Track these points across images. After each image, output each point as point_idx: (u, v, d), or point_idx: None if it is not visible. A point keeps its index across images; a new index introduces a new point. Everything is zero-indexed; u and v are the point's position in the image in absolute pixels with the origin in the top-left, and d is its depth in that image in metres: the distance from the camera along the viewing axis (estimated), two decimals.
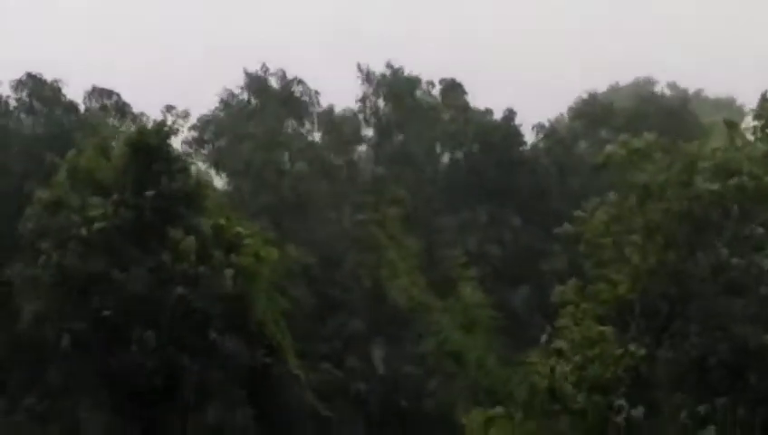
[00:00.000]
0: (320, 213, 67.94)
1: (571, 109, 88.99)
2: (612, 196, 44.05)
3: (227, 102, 73.77)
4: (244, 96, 74.26)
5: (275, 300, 53.60)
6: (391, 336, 63.93)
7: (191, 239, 48.91)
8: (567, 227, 46.26)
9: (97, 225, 49.00)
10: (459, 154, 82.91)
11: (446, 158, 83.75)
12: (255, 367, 50.81)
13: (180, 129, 58.78)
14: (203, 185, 51.86)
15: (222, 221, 50.60)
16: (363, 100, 78.03)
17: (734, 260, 37.75)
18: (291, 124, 71.62)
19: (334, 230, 67.42)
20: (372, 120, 79.12)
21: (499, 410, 43.11)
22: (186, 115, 62.82)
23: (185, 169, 51.12)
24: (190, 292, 48.81)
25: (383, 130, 79.23)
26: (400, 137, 79.69)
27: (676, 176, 39.63)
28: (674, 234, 39.90)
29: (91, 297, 48.95)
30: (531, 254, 75.32)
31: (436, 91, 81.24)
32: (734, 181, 38.14)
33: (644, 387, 38.50)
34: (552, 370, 38.31)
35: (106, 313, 48.16)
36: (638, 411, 36.58)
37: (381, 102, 78.81)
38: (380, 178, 68.29)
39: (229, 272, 49.39)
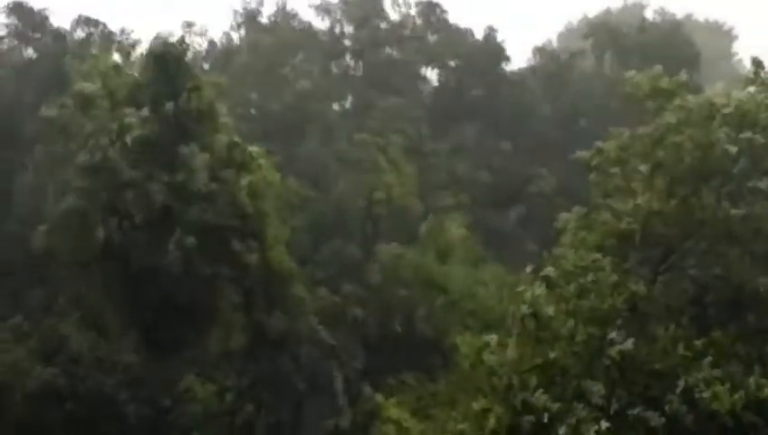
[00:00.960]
0: (316, 133, 67.84)
1: (561, 35, 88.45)
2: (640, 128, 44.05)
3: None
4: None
5: (279, 225, 53.79)
6: (387, 263, 64.21)
7: (204, 156, 49.28)
8: (582, 154, 46.30)
9: (136, 132, 49.09)
10: (444, 75, 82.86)
11: (430, 80, 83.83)
12: (265, 289, 51.51)
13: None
14: (215, 104, 51.34)
15: (236, 139, 50.70)
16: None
17: (733, 211, 38.02)
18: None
19: (330, 151, 67.32)
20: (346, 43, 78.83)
21: (492, 337, 43.70)
22: (203, 33, 62.70)
23: (199, 88, 50.36)
24: (206, 209, 49.41)
25: (357, 53, 78.78)
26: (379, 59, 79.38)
27: (693, 125, 39.63)
28: (680, 177, 40.08)
29: (120, 202, 49.40)
30: (519, 176, 75.76)
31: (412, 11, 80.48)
32: (746, 135, 38.17)
33: (641, 320, 38.88)
34: (535, 296, 38.64)
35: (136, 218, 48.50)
36: (628, 344, 36.96)
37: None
38: (392, 106, 67.70)
39: (243, 190, 49.97)
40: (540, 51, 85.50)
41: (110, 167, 48.41)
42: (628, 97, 44.23)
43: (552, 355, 38.62)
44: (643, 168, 40.91)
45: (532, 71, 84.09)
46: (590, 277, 39.38)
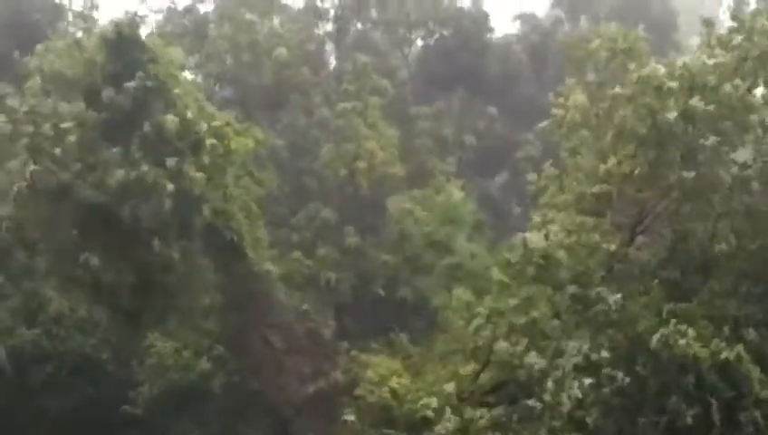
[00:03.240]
0: (297, 102, 66.56)
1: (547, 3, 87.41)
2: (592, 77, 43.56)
3: None
4: None
5: (247, 188, 52.33)
6: (366, 225, 63.12)
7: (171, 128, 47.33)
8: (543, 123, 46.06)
9: (70, 138, 47.53)
10: (429, 40, 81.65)
11: (415, 45, 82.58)
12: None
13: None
14: (172, 75, 49.47)
15: (189, 115, 48.11)
16: None
17: (684, 173, 37.73)
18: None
19: (310, 120, 66.08)
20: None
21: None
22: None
23: (155, 60, 48.58)
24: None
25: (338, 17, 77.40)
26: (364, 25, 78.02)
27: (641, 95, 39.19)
28: (643, 141, 39.70)
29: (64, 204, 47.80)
30: (506, 142, 74.85)
31: None
32: (695, 101, 37.71)
33: (618, 281, 38.75)
34: (547, 236, 38.27)
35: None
36: (617, 298, 36.80)
37: None
38: (363, 65, 66.36)
39: (199, 175, 47.48)
40: (521, 18, 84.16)
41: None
42: (582, 59, 43.94)
43: (534, 314, 38.41)
44: (608, 133, 40.49)
45: (516, 38, 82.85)
46: (572, 238, 39.11)
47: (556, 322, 38.14)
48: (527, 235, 40.23)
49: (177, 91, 48.81)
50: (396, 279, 61.87)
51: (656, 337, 35.52)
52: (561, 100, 45.56)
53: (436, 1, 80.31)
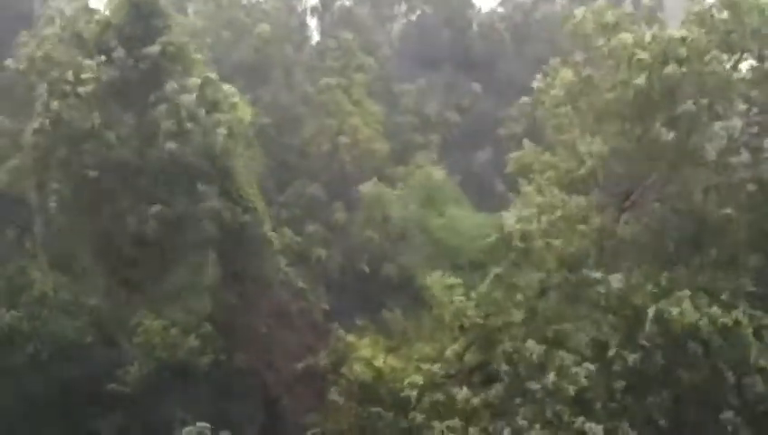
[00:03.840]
0: (279, 78, 66.30)
1: None
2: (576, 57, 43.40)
3: None
4: None
5: (248, 166, 52.97)
6: (352, 201, 63.10)
7: (188, 97, 48.61)
8: (525, 99, 45.74)
9: (88, 87, 48.07)
10: (412, 17, 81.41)
11: (398, 22, 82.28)
12: (232, 228, 50.67)
13: None
14: (186, 43, 51.01)
15: (211, 76, 50.19)
16: None
17: (664, 138, 37.75)
18: None
19: (294, 95, 65.84)
20: None
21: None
22: None
23: (170, 27, 49.48)
24: (179, 147, 48.50)
25: None
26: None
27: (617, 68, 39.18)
28: (630, 117, 39.71)
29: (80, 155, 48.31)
30: (489, 119, 74.81)
31: None
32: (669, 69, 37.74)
33: (610, 258, 38.62)
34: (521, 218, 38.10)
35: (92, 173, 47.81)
36: (615, 279, 36.70)
37: None
38: (347, 42, 66.23)
39: (222, 130, 49.08)
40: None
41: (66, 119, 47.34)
42: (573, 35, 43.79)
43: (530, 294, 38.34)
44: (591, 112, 40.50)
45: (498, 16, 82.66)
46: (558, 214, 39.01)
47: (548, 302, 38.14)
48: (504, 214, 40.15)
49: (194, 57, 50.66)
50: (380, 256, 62.12)
51: (651, 311, 35.57)
52: (547, 77, 45.37)
53: None
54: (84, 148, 48.16)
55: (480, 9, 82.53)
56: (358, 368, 45.47)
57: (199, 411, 50.92)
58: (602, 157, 40.87)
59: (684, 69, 38.02)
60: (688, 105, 37.76)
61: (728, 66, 38.69)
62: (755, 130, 39.01)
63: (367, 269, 61.58)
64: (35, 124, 48.30)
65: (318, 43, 75.39)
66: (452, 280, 45.69)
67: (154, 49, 48.46)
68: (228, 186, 50.46)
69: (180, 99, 48.39)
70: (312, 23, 78.45)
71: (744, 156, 38.77)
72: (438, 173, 64.97)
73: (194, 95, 48.93)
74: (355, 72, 66.28)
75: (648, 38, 39.04)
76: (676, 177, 40.44)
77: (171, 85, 48.51)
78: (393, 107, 71.67)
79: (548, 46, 79.47)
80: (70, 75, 48.12)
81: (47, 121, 47.80)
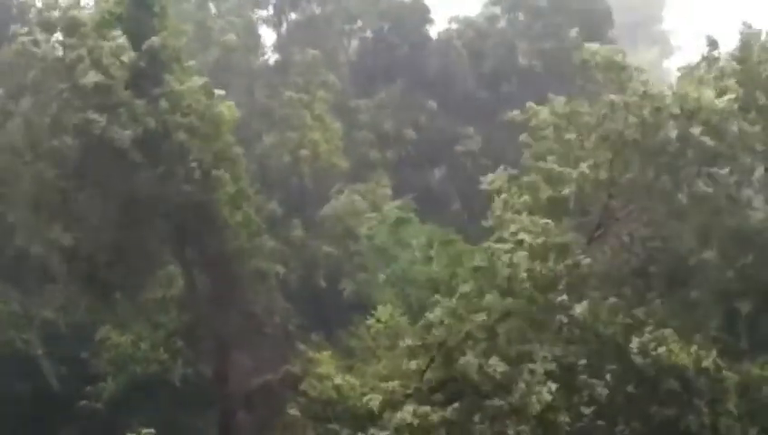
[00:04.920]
0: (240, 88, 66.54)
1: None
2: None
3: None
4: None
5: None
6: (310, 217, 63.44)
7: (193, 86, 49.14)
8: (516, 114, 46.23)
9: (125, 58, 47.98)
10: (369, 33, 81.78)
11: (356, 39, 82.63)
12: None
13: None
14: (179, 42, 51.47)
15: (204, 80, 50.58)
16: None
17: (667, 184, 38.68)
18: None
19: (255, 107, 66.10)
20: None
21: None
22: None
23: (166, 25, 50.20)
24: (189, 139, 48.77)
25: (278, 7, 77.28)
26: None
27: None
28: (623, 150, 40.49)
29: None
30: (445, 136, 75.51)
31: None
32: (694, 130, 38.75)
33: (581, 286, 39.18)
34: (512, 260, 38.41)
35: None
36: (582, 307, 37.18)
37: None
38: (313, 58, 66.65)
39: (225, 126, 50.15)
40: (455, 19, 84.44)
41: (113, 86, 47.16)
42: (582, 65, 44.62)
43: (493, 317, 38.81)
44: (590, 139, 41.28)
45: (455, 33, 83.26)
46: (539, 240, 39.55)
47: (511, 324, 38.60)
48: (494, 246, 40.31)
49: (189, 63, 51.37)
50: (338, 272, 62.43)
51: (635, 345, 36.28)
52: (541, 108, 46.05)
53: None
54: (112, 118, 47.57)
55: (435, 22, 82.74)
56: (316, 384, 45.75)
57: (155, 424, 51.09)
58: (580, 184, 41.51)
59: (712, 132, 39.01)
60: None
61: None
62: (736, 178, 40.12)
63: (323, 283, 61.83)
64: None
65: (279, 56, 75.54)
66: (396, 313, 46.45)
67: (155, 42, 48.48)
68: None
69: (184, 92, 48.70)
70: (269, 35, 78.73)
71: (724, 204, 39.92)
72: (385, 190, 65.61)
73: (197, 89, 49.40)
74: (317, 88, 66.57)
75: (681, 93, 40.02)
76: (651, 214, 41.30)
77: (171, 81, 48.72)
78: (350, 123, 72.04)
79: (503, 63, 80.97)
80: (106, 47, 47.82)
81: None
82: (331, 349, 51.85)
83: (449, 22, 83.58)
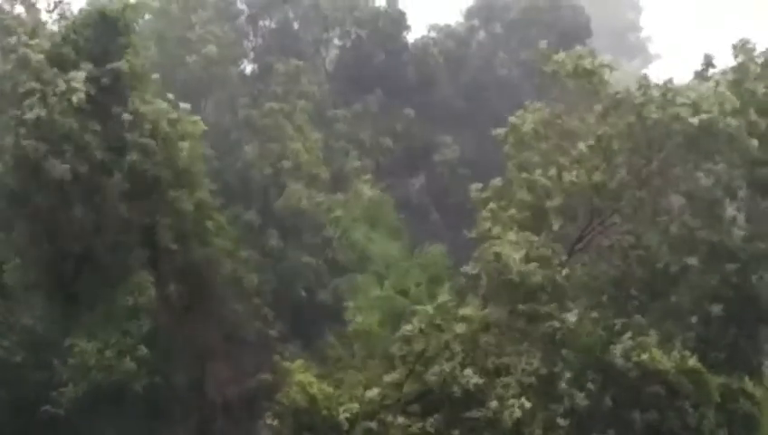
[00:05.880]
0: (221, 100, 66.48)
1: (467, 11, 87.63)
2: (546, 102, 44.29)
3: None
4: None
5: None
6: (289, 227, 63.37)
7: (153, 108, 49.59)
8: (500, 130, 46.21)
9: (81, 95, 47.96)
10: (346, 41, 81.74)
11: (333, 46, 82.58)
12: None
13: None
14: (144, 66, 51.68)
15: (166, 102, 51.02)
16: None
17: (642, 193, 38.76)
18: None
19: (236, 118, 65.99)
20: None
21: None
22: None
23: (134, 45, 50.26)
24: (143, 160, 49.06)
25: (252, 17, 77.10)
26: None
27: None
28: (616, 153, 40.56)
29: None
30: (423, 145, 75.60)
31: None
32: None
33: (562, 297, 39.21)
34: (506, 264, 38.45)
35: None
36: (573, 315, 37.26)
37: None
38: (294, 68, 66.72)
39: (184, 144, 50.36)
40: (434, 28, 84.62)
41: (54, 121, 47.34)
42: (551, 75, 44.70)
43: (472, 328, 38.81)
44: (582, 144, 41.38)
45: (432, 41, 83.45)
46: (522, 252, 39.59)
47: (490, 336, 38.67)
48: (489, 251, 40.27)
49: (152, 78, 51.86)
50: (317, 282, 62.38)
51: (618, 351, 36.37)
52: (520, 115, 46.09)
53: (353, 0, 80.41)
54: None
55: (411, 29, 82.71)
56: (292, 394, 45.63)
57: (131, 433, 50.90)
58: (566, 193, 41.57)
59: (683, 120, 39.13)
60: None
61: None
62: (719, 193, 40.32)
63: (303, 294, 61.79)
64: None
65: (256, 65, 75.45)
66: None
67: (119, 65, 48.84)
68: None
69: (143, 112, 48.98)
70: (247, 42, 78.52)
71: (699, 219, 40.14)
72: (373, 193, 65.62)
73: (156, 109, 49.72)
74: (298, 97, 66.59)
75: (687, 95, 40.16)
76: (634, 224, 41.42)
77: (133, 100, 48.97)
78: (328, 132, 72.01)
79: (482, 73, 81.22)
80: (60, 84, 48.14)
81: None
82: (309, 358, 51.69)
83: (428, 30, 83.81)
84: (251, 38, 78.35)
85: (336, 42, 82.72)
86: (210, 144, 64.36)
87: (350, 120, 74.45)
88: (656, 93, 40.26)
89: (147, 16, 63.95)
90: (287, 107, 64.96)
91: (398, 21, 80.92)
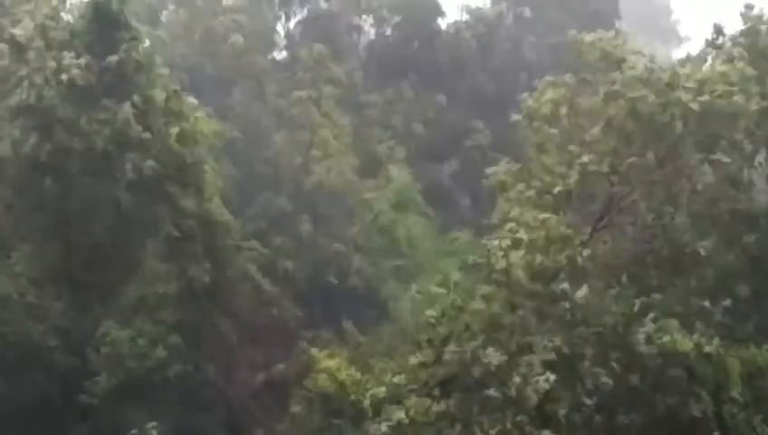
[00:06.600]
0: (251, 89, 66.65)
1: None
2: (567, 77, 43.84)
3: None
4: None
5: (214, 177, 54.50)
6: (320, 215, 63.48)
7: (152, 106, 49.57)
8: (516, 116, 45.86)
9: (75, 72, 48.31)
10: (382, 29, 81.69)
11: (368, 33, 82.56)
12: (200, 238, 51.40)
13: None
14: (153, 57, 51.88)
15: (174, 90, 51.16)
16: None
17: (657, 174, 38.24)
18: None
19: (266, 107, 66.15)
20: None
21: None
22: None
23: (138, 39, 50.49)
24: (141, 157, 49.28)
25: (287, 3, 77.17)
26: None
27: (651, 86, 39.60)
28: (629, 136, 40.12)
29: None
30: (455, 131, 75.32)
31: None
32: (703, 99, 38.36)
33: (582, 276, 38.77)
34: (506, 255, 38.07)
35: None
36: (582, 292, 36.79)
37: None
38: (319, 54, 66.69)
39: (174, 130, 50.17)
40: (466, 10, 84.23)
41: (44, 106, 46.95)
42: (580, 59, 44.31)
43: (496, 309, 38.52)
44: (595, 128, 40.95)
45: (465, 26, 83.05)
46: (540, 234, 39.22)
47: (516, 317, 38.27)
48: (490, 243, 40.04)
49: (161, 71, 51.64)
50: (348, 268, 62.52)
51: (641, 336, 35.90)
52: (536, 94, 45.74)
53: None
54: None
55: (446, 15, 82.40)
56: (321, 380, 45.69)
57: (163, 422, 51.17)
58: (583, 174, 41.22)
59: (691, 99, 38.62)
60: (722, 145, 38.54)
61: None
62: (740, 163, 39.80)
63: (334, 281, 61.88)
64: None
65: (289, 53, 75.52)
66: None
67: (114, 58, 48.96)
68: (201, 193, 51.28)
69: (144, 108, 49.20)
70: (279, 29, 78.67)
71: (726, 188, 39.60)
72: (404, 177, 65.65)
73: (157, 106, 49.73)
74: (325, 84, 66.60)
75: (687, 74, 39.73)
76: (655, 201, 40.94)
77: (135, 96, 48.98)
78: (359, 118, 72.01)
79: (511, 57, 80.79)
80: (51, 65, 48.41)
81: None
82: (339, 344, 51.84)
83: (460, 11, 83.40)
84: (283, 25, 78.42)
85: (370, 28, 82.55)
86: (241, 133, 64.97)
87: (383, 107, 74.29)
88: (662, 76, 39.75)
89: (170, 7, 64.73)
90: (315, 94, 64.87)
91: (432, 7, 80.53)
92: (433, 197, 67.61)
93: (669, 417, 35.91)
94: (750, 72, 39.30)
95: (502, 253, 37.88)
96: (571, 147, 41.89)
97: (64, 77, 48.01)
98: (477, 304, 38.76)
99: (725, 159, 39.07)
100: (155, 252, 51.84)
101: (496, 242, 38.68)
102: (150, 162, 49.03)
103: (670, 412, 35.76)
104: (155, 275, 51.82)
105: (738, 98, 38.51)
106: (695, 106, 38.08)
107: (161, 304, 51.56)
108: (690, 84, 39.09)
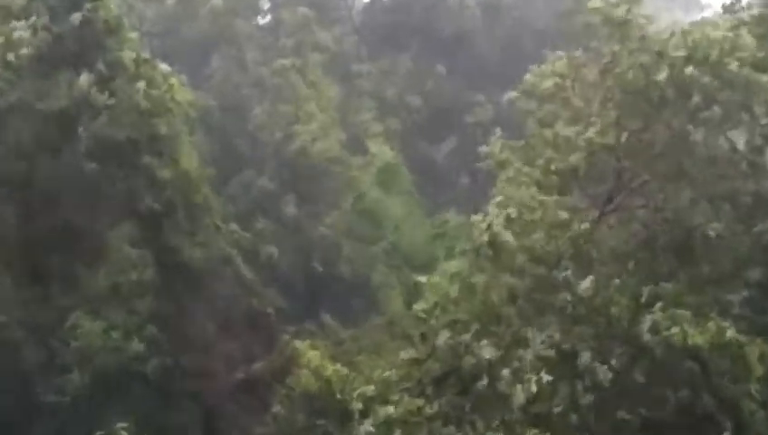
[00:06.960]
0: (230, 56, 66.54)
1: None
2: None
3: None
4: None
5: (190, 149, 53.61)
6: (304, 195, 63.52)
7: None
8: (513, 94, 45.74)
9: (24, 50, 47.71)
10: None
11: None
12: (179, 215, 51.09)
13: None
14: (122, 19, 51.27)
15: (146, 56, 50.54)
16: None
17: (692, 138, 38.00)
18: None
19: (246, 76, 66.11)
20: None
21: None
22: None
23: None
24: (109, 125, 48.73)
25: None
26: None
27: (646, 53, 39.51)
28: (630, 109, 40.01)
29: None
30: (455, 105, 75.27)
31: None
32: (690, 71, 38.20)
33: (585, 263, 38.73)
34: (489, 225, 38.01)
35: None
36: (586, 283, 36.74)
37: None
38: (304, 18, 66.58)
39: (141, 84, 49.24)
40: None
41: None
42: (585, 25, 44.21)
43: (491, 299, 38.63)
44: (595, 99, 40.93)
45: None
46: (537, 215, 39.21)
47: (512, 307, 38.26)
48: (474, 218, 40.31)
49: (130, 35, 51.14)
50: (335, 254, 62.65)
51: (646, 325, 35.85)
52: (539, 67, 45.61)
53: None
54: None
55: None
56: (305, 378, 45.88)
57: (137, 418, 51.21)
58: (595, 149, 41.14)
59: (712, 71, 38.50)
60: (715, 112, 38.33)
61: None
62: (759, 142, 39.65)
63: (320, 268, 61.99)
64: None
65: (272, 16, 75.35)
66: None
67: (77, 17, 48.47)
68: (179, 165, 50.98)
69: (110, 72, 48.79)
70: None
71: (743, 167, 39.43)
72: (389, 155, 65.59)
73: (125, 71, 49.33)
74: (311, 50, 66.45)
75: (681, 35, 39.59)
76: (669, 181, 40.89)
77: (100, 61, 48.76)
78: (350, 88, 71.86)
79: (518, 25, 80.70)
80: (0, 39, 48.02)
81: None
82: (324, 338, 52.06)
83: None
84: None
85: None
86: (218, 104, 64.85)
87: (377, 77, 74.10)
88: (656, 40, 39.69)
89: None
90: (299, 61, 64.76)
91: None
92: (428, 176, 67.55)
93: (679, 413, 36.04)
94: (750, 39, 39.16)
95: (485, 226, 37.73)
96: (576, 122, 41.83)
97: (11, 56, 47.89)
98: (470, 293, 38.82)
99: (741, 136, 38.95)
100: (128, 233, 51.69)
101: (479, 216, 38.55)
102: (113, 129, 48.65)
103: (681, 408, 35.87)
104: (127, 261, 51.77)
105: (745, 69, 38.41)
106: (688, 70, 37.93)
107: (135, 293, 51.48)
108: (680, 52, 38.94)
